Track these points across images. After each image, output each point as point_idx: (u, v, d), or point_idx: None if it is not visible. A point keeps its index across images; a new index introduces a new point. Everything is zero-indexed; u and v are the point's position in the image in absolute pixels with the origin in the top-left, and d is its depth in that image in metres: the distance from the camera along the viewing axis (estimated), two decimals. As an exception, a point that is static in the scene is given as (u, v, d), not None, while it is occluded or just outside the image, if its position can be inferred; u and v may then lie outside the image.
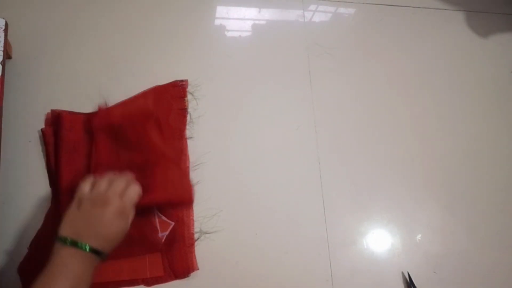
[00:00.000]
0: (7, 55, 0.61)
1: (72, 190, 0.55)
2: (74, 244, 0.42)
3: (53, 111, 0.61)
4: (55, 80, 0.65)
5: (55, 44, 0.67)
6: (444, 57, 0.83)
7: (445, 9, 0.88)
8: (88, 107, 0.63)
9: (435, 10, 0.88)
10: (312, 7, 0.82)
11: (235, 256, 0.60)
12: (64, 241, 0.42)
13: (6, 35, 0.59)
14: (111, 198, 0.45)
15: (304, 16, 0.81)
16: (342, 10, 0.84)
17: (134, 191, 0.48)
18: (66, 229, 0.43)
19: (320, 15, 0.82)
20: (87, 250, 0.42)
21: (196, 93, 0.68)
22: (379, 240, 0.66)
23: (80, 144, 0.59)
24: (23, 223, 0.56)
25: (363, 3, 0.85)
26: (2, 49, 0.57)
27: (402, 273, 0.64)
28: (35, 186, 0.58)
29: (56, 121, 0.60)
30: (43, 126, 0.61)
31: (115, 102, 0.64)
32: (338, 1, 0.84)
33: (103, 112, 0.60)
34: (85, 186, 0.47)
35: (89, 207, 0.45)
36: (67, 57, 0.67)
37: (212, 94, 0.69)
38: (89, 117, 0.61)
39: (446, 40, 0.85)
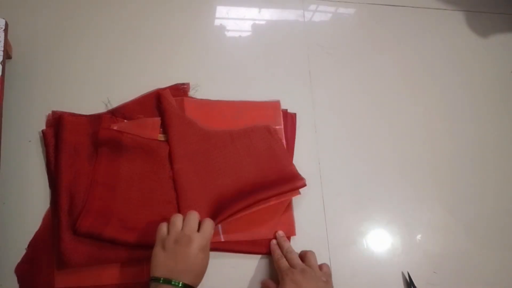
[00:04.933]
0: (7, 55, 0.61)
1: (71, 192, 0.56)
2: (168, 282, 0.45)
3: (54, 112, 0.61)
4: (55, 80, 0.65)
5: (55, 44, 0.67)
6: (444, 57, 0.83)
7: (445, 9, 0.88)
8: (88, 108, 0.63)
9: (435, 10, 0.88)
10: (312, 7, 0.82)
11: (234, 257, 0.60)
12: (157, 280, 0.45)
13: (6, 35, 0.59)
14: (192, 234, 0.48)
15: (304, 16, 0.81)
16: (342, 10, 0.84)
17: (209, 226, 0.51)
18: (157, 270, 0.46)
19: (320, 15, 0.82)
20: (180, 286, 0.45)
21: (196, 94, 0.68)
22: (379, 240, 0.66)
23: (81, 147, 0.59)
24: (22, 224, 0.56)
25: (363, 3, 0.85)
26: (2, 49, 0.57)
27: (402, 273, 0.64)
28: (34, 186, 0.58)
29: (57, 123, 0.60)
30: (43, 126, 0.61)
31: (116, 103, 0.64)
32: (338, 1, 0.84)
33: (109, 127, 0.61)
34: (163, 228, 0.50)
35: (173, 246, 0.47)
36: (67, 57, 0.67)
37: (212, 95, 0.68)
38: (92, 121, 0.61)
39: (446, 40, 0.85)
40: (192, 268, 0.47)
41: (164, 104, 0.63)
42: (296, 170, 0.63)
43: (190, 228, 0.49)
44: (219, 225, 0.58)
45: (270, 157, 0.64)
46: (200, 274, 0.49)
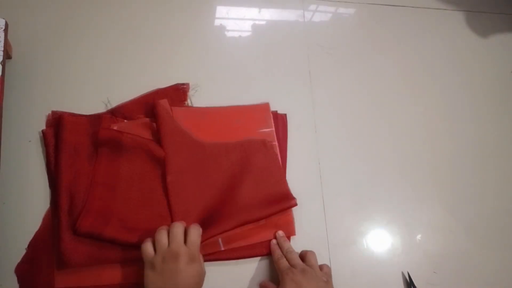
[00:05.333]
0: (7, 55, 0.61)
1: (71, 192, 0.56)
2: None
3: (54, 112, 0.61)
4: (55, 80, 0.65)
5: (55, 44, 0.67)
6: (444, 57, 0.83)
7: (445, 9, 0.88)
8: (88, 108, 0.63)
9: (435, 10, 0.88)
10: (312, 7, 0.82)
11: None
12: None
13: (6, 35, 0.59)
14: (178, 250, 0.48)
15: (304, 16, 0.81)
16: (342, 10, 0.84)
17: (195, 233, 0.51)
18: None
19: (320, 15, 0.82)
20: None
21: (196, 94, 0.68)
22: (379, 240, 0.66)
23: (81, 147, 0.59)
24: (22, 224, 0.56)
25: (363, 3, 0.85)
26: (2, 49, 0.57)
27: (402, 273, 0.64)
28: (35, 186, 0.58)
29: (57, 123, 0.60)
30: (43, 126, 0.61)
31: (116, 103, 0.64)
32: (338, 1, 0.84)
33: (109, 127, 0.60)
34: (148, 249, 0.50)
35: (162, 265, 0.47)
36: (67, 57, 0.67)
37: (211, 95, 0.69)
38: (91, 121, 0.61)
39: (446, 40, 0.85)
40: (183, 283, 0.47)
41: (160, 111, 0.62)
42: (288, 188, 0.62)
43: (176, 244, 0.49)
44: (219, 238, 0.58)
45: (264, 172, 0.63)
46: (195, 286, 0.48)
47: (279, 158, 0.65)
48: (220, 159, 0.63)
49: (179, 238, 0.50)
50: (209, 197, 0.60)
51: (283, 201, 0.61)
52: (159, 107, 0.63)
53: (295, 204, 0.61)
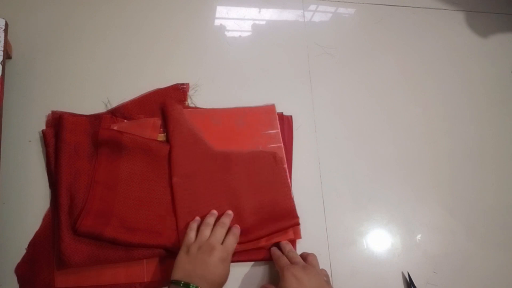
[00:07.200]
0: (7, 55, 0.61)
1: (71, 192, 0.56)
2: (187, 286, 0.47)
3: (54, 112, 0.61)
4: (55, 80, 0.65)
5: (55, 44, 0.68)
6: (444, 57, 0.83)
7: (445, 9, 0.88)
8: (88, 108, 0.63)
9: (435, 10, 0.88)
10: (312, 7, 0.82)
11: (233, 262, 0.59)
12: (178, 284, 0.47)
13: (6, 35, 0.59)
14: (215, 245, 0.51)
15: (304, 16, 0.81)
16: (342, 10, 0.84)
17: (233, 239, 0.54)
18: (178, 273, 0.49)
19: (320, 15, 0.82)
20: None
21: (195, 95, 0.68)
22: (379, 240, 0.66)
23: (81, 147, 0.59)
24: (22, 224, 0.56)
25: (363, 3, 0.85)
26: (2, 49, 0.58)
27: (402, 273, 0.64)
28: (35, 186, 0.58)
29: (57, 123, 0.60)
30: (43, 126, 0.61)
31: (116, 103, 0.64)
32: (338, 1, 0.84)
33: (109, 127, 0.60)
34: (191, 234, 0.54)
35: (196, 253, 0.51)
36: (67, 57, 0.67)
37: (211, 95, 0.69)
38: (91, 121, 0.61)
39: (446, 40, 0.85)
40: (210, 276, 0.48)
41: (173, 113, 0.62)
42: (293, 206, 0.61)
43: (215, 239, 0.52)
44: None
45: (270, 186, 0.62)
46: (219, 284, 0.50)
47: (282, 147, 0.65)
48: (229, 169, 0.62)
49: (220, 237, 0.53)
50: (214, 204, 0.59)
51: (286, 219, 0.59)
52: (173, 108, 0.62)
53: (297, 224, 0.60)
